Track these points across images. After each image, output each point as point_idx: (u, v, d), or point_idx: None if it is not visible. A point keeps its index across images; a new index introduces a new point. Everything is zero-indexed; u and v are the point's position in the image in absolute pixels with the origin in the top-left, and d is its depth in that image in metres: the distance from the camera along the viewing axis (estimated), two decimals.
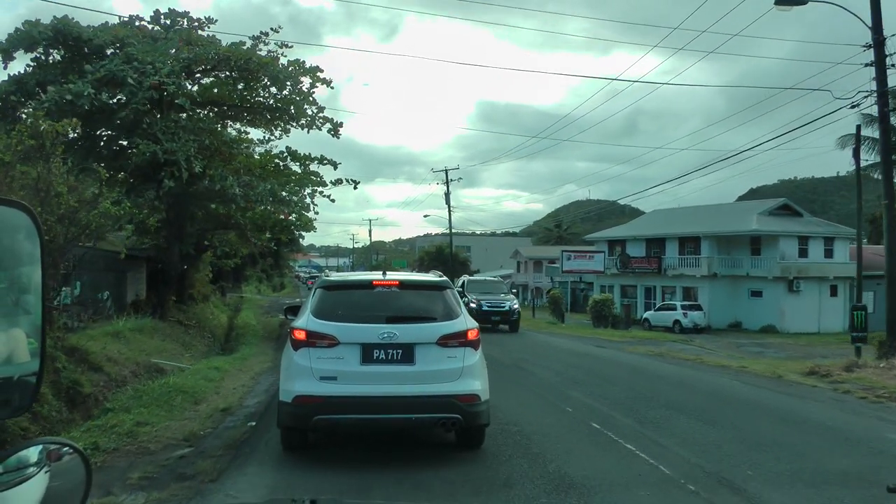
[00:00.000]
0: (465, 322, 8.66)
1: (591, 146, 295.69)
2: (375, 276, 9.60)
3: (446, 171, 76.27)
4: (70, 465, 2.04)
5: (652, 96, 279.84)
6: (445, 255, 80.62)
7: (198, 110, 24.33)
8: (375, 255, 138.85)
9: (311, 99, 24.53)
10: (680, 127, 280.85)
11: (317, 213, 29.42)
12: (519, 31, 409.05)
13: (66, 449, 2.07)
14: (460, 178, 77.76)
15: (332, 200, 29.21)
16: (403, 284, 9.17)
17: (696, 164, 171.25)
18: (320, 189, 27.58)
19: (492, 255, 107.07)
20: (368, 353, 8.19)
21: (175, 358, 19.26)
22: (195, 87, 24.51)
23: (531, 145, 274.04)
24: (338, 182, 27.33)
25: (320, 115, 25.07)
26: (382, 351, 8.20)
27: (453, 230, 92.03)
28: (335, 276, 10.82)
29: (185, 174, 20.12)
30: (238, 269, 72.60)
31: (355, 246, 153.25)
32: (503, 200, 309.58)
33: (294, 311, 9.89)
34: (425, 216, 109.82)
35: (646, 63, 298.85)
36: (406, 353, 8.24)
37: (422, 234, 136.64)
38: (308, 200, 26.23)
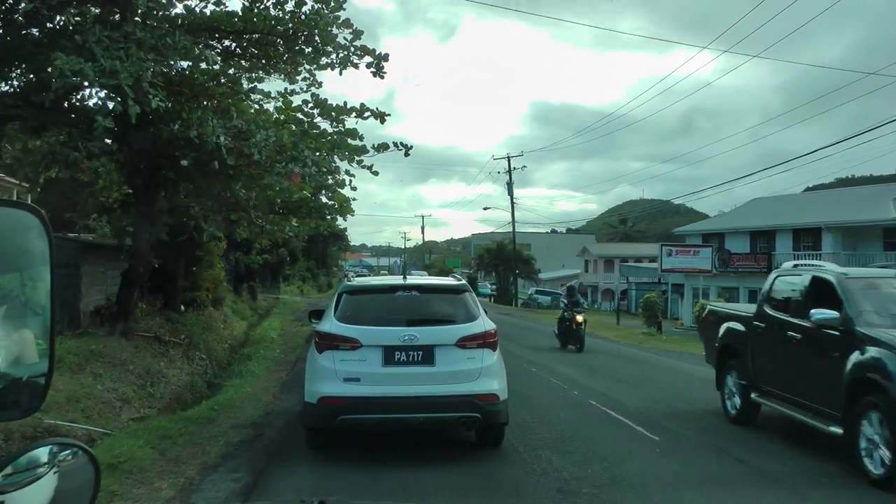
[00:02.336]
0: (484, 324, 8.95)
1: (645, 145, 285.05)
2: (396, 280, 10.29)
3: (508, 159, 68.25)
4: (79, 465, 2.07)
5: (708, 94, 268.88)
6: (507, 251, 72.33)
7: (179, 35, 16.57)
8: (428, 254, 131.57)
9: (340, 16, 16.59)
10: (736, 125, 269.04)
11: (354, 188, 21.54)
12: (575, 31, 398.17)
13: (74, 450, 2.09)
14: (524, 167, 69.46)
15: (375, 173, 21.03)
16: (423, 288, 9.76)
17: (752, 162, 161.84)
18: (359, 158, 19.69)
19: (553, 253, 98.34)
20: (390, 354, 8.52)
21: (107, 410, 11.52)
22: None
23: (585, 145, 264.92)
24: (383, 147, 19.38)
25: (356, 44, 17.10)
26: (403, 353, 8.53)
27: (507, 228, 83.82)
28: (357, 281, 10.52)
29: (132, 110, 12.26)
30: (276, 267, 65.53)
31: (407, 246, 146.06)
32: (556, 200, 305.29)
33: (318, 314, 9.95)
34: (485, 209, 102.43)
35: (702, 62, 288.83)
36: (426, 354, 8.56)
37: (474, 234, 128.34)
38: (337, 164, 18.28)
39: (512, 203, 67.69)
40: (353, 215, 26.39)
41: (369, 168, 20.01)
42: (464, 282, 10.15)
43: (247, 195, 17.69)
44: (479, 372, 8.63)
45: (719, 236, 50.34)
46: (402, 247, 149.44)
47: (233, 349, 23.46)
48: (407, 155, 20.02)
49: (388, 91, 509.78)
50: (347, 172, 20.38)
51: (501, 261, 74.07)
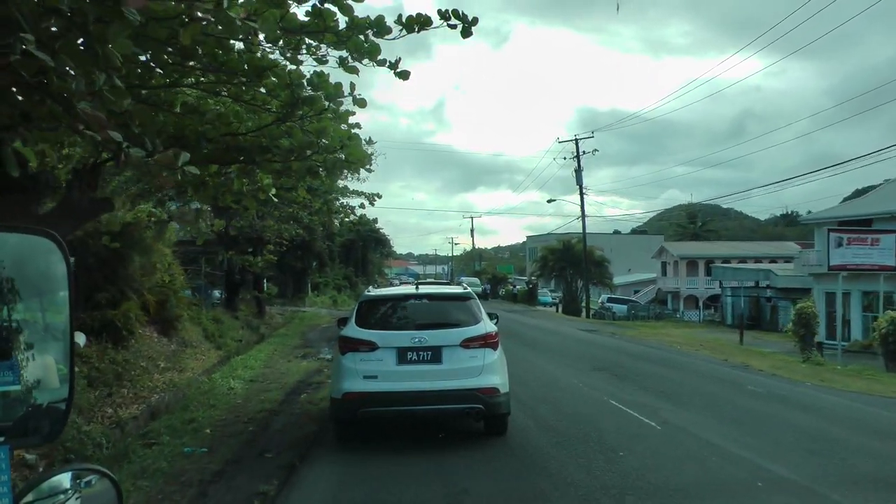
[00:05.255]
0: (485, 327, 9.99)
1: (692, 149, 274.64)
2: (409, 289, 11.38)
3: (576, 141, 57.17)
4: (101, 490, 2.10)
5: (755, 98, 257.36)
6: (576, 252, 60.93)
7: None
8: (479, 260, 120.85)
9: None
10: (783, 128, 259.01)
11: (362, 102, 10.39)
12: (622, 37, 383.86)
13: (96, 475, 2.12)
14: (595, 151, 57.86)
15: (404, 74, 9.74)
16: (432, 297, 10.78)
17: (799, 165, 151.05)
18: (369, 40, 8.80)
19: (617, 256, 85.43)
20: (403, 355, 9.58)
21: None
22: None
23: (631, 150, 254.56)
24: (419, 23, 8.32)
25: None
26: (415, 353, 9.57)
27: (561, 231, 72.34)
28: (375, 292, 11.46)
29: None
30: (300, 274, 55.15)
31: (454, 253, 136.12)
32: (604, 206, 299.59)
33: (344, 321, 10.71)
34: (549, 201, 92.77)
35: (750, 65, 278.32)
36: (435, 354, 9.59)
37: (529, 236, 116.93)
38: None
39: (581, 194, 56.52)
40: (370, 166, 15.81)
41: (393, 67, 9.05)
42: (469, 290, 11.04)
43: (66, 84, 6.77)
44: (481, 369, 9.58)
45: (864, 223, 38.25)
46: (450, 254, 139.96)
47: (150, 419, 12.74)
48: (467, 34, 9.03)
49: (438, 100, 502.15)
50: (344, 64, 9.51)
51: (569, 263, 62.54)
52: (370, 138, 11.79)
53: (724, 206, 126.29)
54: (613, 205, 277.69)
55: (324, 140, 11.07)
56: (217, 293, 32.37)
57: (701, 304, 67.91)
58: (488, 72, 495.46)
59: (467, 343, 9.65)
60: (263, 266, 30.10)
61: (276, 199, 15.89)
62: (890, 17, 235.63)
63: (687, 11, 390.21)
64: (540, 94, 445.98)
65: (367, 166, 17.08)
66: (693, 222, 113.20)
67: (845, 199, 79.46)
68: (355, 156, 11.31)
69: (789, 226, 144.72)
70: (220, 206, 22.62)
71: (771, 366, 22.60)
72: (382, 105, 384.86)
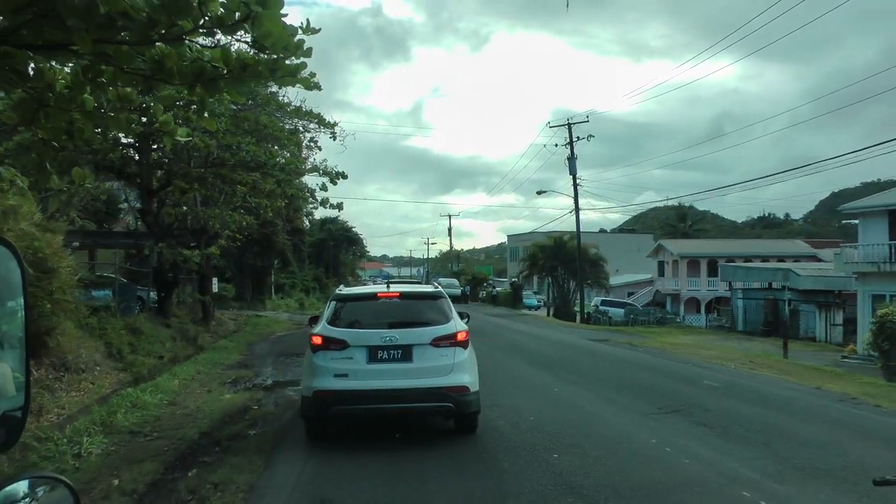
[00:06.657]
0: (455, 326, 9.90)
1: (668, 152, 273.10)
2: (380, 288, 10.91)
3: (569, 126, 51.58)
4: (58, 498, 2.00)
5: (733, 100, 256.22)
6: (568, 250, 55.23)
7: None
8: (456, 261, 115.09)
9: None
10: (761, 131, 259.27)
11: None
12: (598, 40, 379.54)
13: (53, 482, 2.03)
14: (591, 137, 51.93)
15: None
16: (403, 295, 10.62)
17: (776, 168, 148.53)
18: None
19: (606, 254, 77.55)
20: (374, 353, 9.49)
21: None
22: None
23: (608, 153, 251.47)
24: None
25: None
26: (385, 351, 9.50)
27: (543, 231, 66.94)
28: (346, 290, 11.43)
29: None
30: (260, 273, 49.11)
31: (430, 255, 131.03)
32: (580, 210, 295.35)
33: (316, 320, 10.69)
34: (539, 193, 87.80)
35: (727, 68, 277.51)
36: (405, 353, 9.50)
37: (510, 235, 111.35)
38: None
39: (575, 184, 50.85)
40: (317, 87, 11.10)
41: None
42: (440, 289, 10.94)
43: None
44: (451, 367, 9.50)
45: None
46: (425, 256, 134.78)
47: None
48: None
49: (416, 102, 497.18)
50: None
51: (560, 262, 56.78)
52: (308, 22, 4.67)
53: (701, 209, 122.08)
54: (589, 206, 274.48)
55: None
56: (154, 295, 26.37)
57: (703, 307, 62.54)
58: (467, 75, 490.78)
59: (437, 342, 9.64)
60: (201, 261, 24.05)
61: (183, 139, 10.02)
62: (866, 20, 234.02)
63: (664, 14, 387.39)
64: (518, 96, 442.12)
65: (309, 79, 11.14)
66: (683, 221, 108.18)
67: (822, 202, 75.09)
68: (275, 34, 5.05)
69: (767, 227, 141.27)
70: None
71: (863, 393, 16.90)
72: (360, 107, 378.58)
